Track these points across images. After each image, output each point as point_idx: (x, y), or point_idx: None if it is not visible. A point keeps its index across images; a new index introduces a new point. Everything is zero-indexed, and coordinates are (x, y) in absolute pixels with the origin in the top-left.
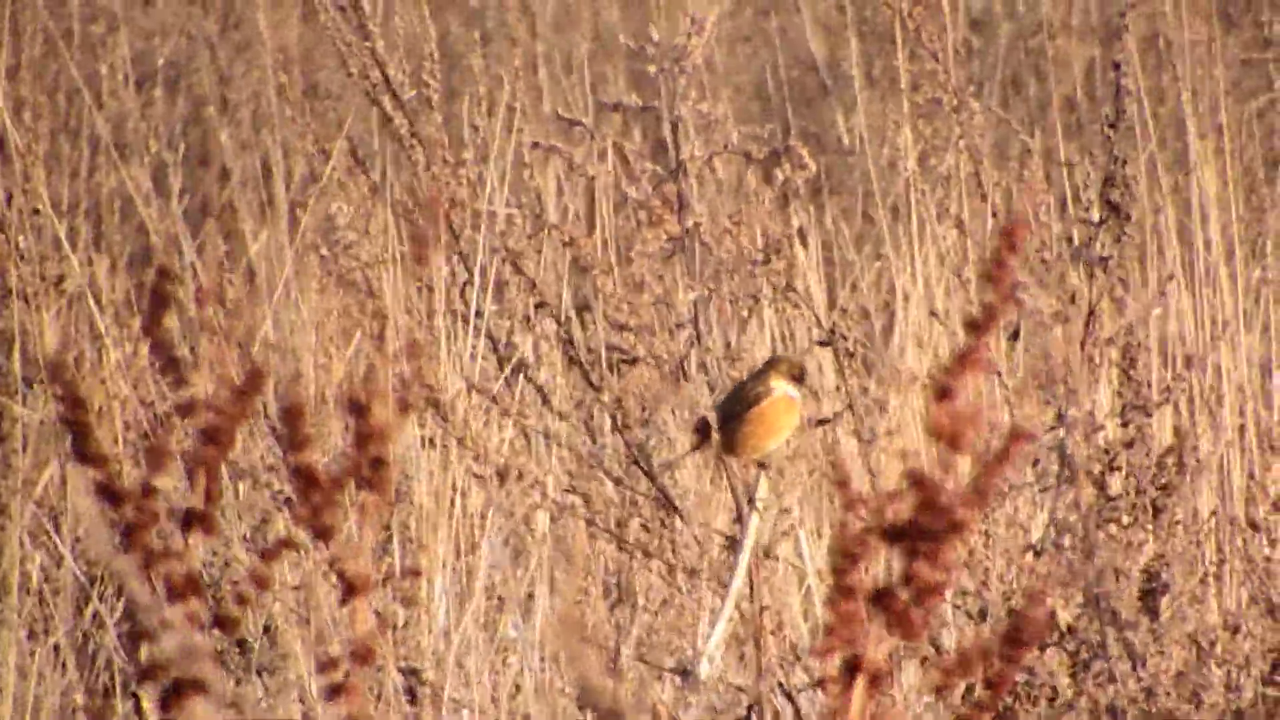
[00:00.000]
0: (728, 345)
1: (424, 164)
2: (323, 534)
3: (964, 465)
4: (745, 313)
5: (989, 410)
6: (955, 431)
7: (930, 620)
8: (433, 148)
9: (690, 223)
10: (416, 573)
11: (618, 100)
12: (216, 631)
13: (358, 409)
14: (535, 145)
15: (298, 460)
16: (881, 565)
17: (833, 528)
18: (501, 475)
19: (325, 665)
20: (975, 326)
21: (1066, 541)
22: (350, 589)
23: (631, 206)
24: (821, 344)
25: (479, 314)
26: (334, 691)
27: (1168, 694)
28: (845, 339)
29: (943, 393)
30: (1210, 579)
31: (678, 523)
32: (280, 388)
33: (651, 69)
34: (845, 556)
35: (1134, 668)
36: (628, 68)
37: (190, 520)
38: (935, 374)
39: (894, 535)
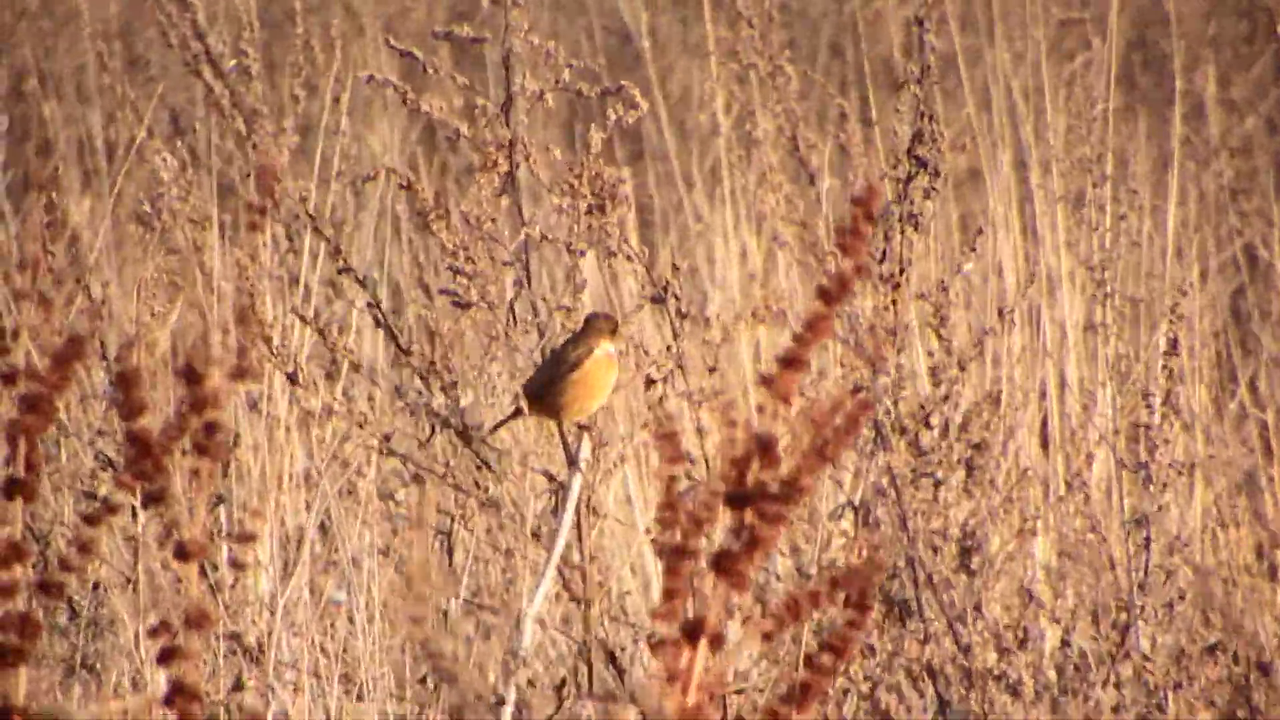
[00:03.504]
0: (565, 284)
1: (245, 133)
2: (156, 499)
3: (797, 428)
4: (578, 260)
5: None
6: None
7: (755, 574)
8: (254, 117)
9: (520, 159)
10: (250, 537)
11: (448, 29)
12: (42, 596)
13: (191, 375)
14: (370, 79)
15: (132, 426)
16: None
17: (665, 492)
18: (330, 412)
19: (157, 629)
20: (826, 295)
21: (879, 506)
22: (184, 554)
23: (465, 145)
24: (654, 300)
25: (294, 280)
26: (167, 655)
27: (1002, 650)
28: (678, 297)
29: (791, 361)
30: (1027, 534)
31: (495, 485)
32: (113, 354)
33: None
34: (690, 520)
35: (950, 627)
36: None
37: (12, 488)
38: (784, 345)
39: (738, 500)
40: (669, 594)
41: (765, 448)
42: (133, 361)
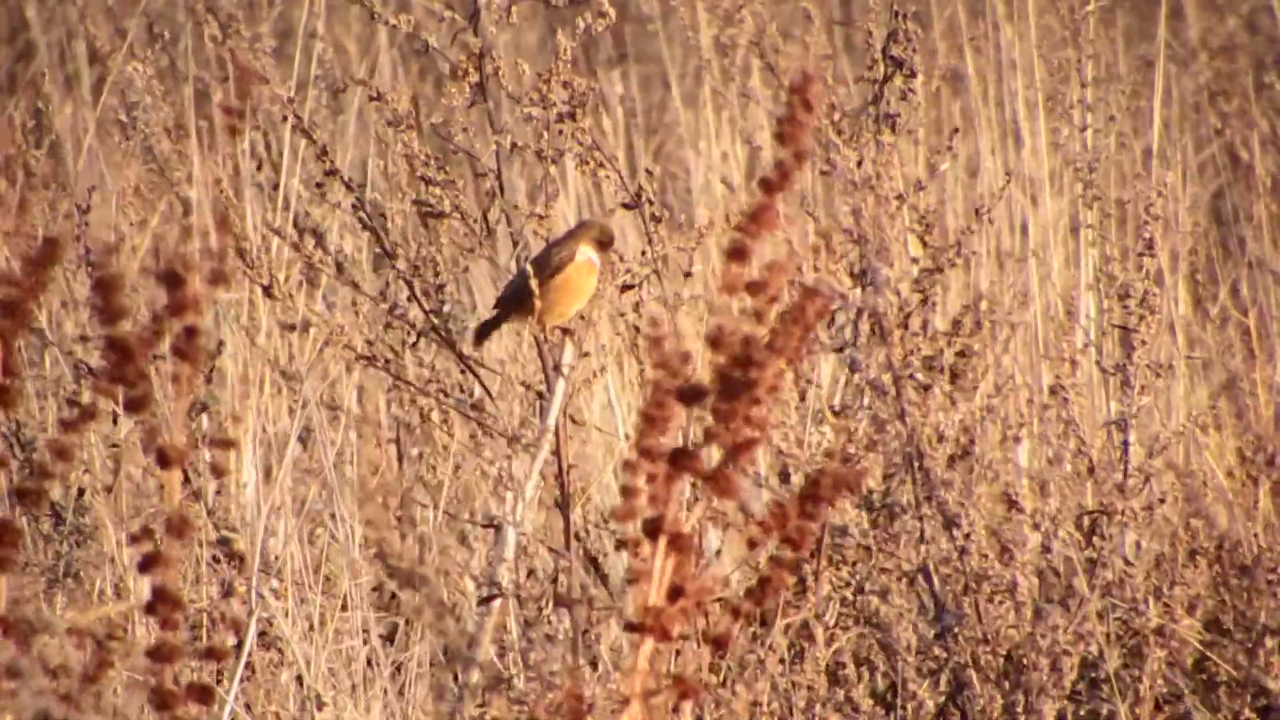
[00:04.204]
0: (531, 197)
1: (220, 38)
2: (136, 405)
3: (764, 324)
4: (550, 167)
5: (788, 270)
6: (753, 289)
7: (740, 479)
8: (229, 22)
9: (490, 69)
10: (230, 444)
11: None
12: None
13: (171, 280)
14: None
15: (112, 332)
16: (685, 426)
17: (642, 389)
18: (306, 325)
19: (138, 536)
20: (768, 184)
21: (871, 401)
22: (164, 460)
23: (433, 56)
24: (627, 206)
25: (274, 186)
26: (148, 563)
27: (982, 555)
28: (651, 202)
29: (737, 252)
30: (1011, 441)
31: (478, 388)
32: (94, 259)
33: None
34: (647, 419)
35: (947, 528)
36: None
37: None
38: (730, 232)
39: (697, 395)
40: (629, 494)
41: (717, 345)
42: (112, 267)
